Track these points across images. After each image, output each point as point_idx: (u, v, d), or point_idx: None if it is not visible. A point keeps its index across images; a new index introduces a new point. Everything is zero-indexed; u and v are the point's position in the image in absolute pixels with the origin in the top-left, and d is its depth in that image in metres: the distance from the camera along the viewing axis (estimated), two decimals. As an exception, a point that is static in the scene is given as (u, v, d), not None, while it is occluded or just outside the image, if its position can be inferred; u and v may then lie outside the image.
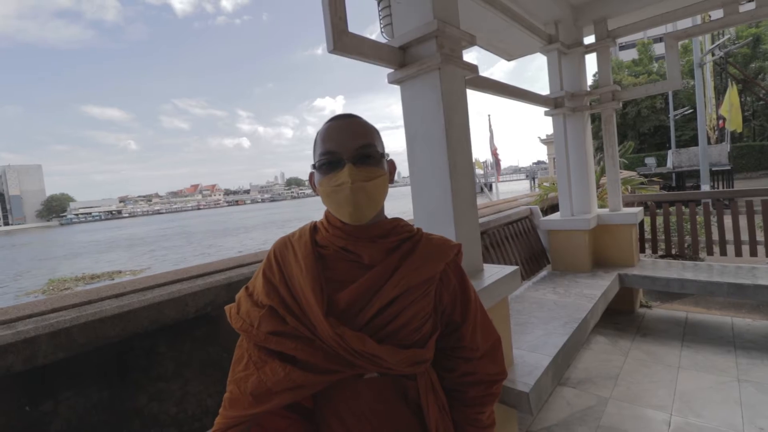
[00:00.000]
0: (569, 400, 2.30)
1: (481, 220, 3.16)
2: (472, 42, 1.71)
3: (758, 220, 3.44)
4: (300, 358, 0.73)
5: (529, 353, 1.94)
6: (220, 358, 1.74)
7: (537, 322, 2.34)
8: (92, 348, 1.42)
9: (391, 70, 1.66)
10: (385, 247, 0.80)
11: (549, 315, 2.44)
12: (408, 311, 0.76)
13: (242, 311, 0.79)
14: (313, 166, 0.80)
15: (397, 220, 0.86)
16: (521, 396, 1.62)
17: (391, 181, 0.84)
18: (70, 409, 1.34)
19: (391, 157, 0.86)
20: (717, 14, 3.02)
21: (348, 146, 0.76)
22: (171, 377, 1.60)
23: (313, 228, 0.86)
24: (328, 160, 0.76)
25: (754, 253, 3.44)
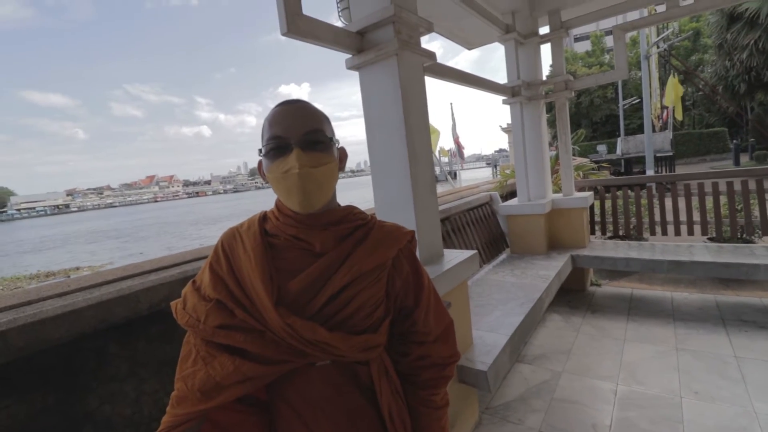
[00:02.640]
0: (526, 376, 2.43)
1: (442, 207, 3.21)
2: (429, 29, 1.71)
3: (695, 201, 3.74)
4: (250, 350, 0.72)
5: (488, 333, 2.02)
6: (178, 356, 1.69)
7: (496, 304, 2.43)
8: (34, 351, 1.33)
9: (349, 56, 1.63)
10: (337, 235, 0.79)
11: (507, 296, 2.54)
12: (359, 297, 0.76)
13: (188, 306, 0.76)
14: (260, 153, 0.78)
15: (350, 208, 0.85)
16: (480, 375, 1.69)
17: (342, 168, 0.83)
18: (10, 417, 1.26)
19: (342, 144, 0.84)
20: (662, 8, 3.20)
21: (295, 131, 0.74)
22: (124, 378, 1.53)
23: (263, 218, 0.84)
24: (275, 145, 0.74)
25: (691, 232, 3.73)
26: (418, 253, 1.68)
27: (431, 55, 1.70)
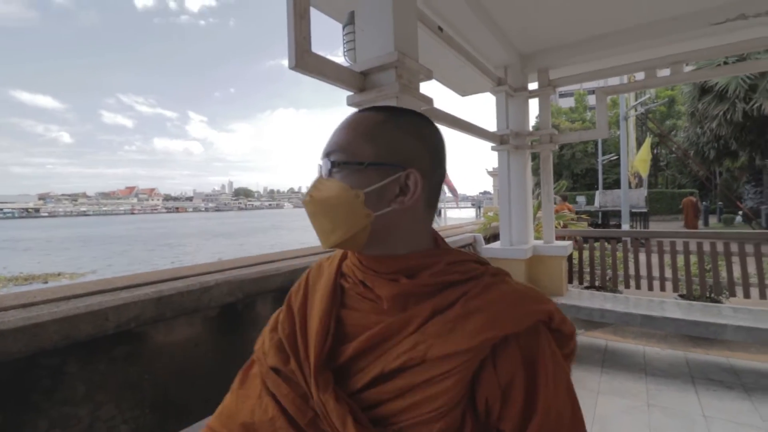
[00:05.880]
0: (500, 425, 2.38)
1: (427, 245, 3.24)
2: (429, 76, 1.80)
3: (668, 259, 3.88)
4: (288, 409, 0.59)
5: (465, 378, 1.99)
6: (141, 380, 1.60)
7: (474, 347, 2.41)
8: (-13, 365, 1.25)
9: (351, 93, 1.69)
10: (413, 291, 0.57)
11: (485, 340, 2.53)
12: (414, 394, 0.52)
13: (265, 330, 0.67)
14: None
15: (446, 255, 0.60)
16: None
17: (402, 203, 0.58)
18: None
19: (410, 170, 0.58)
20: (641, 76, 3.46)
21: (324, 149, 0.61)
22: (80, 400, 1.44)
23: (346, 252, 0.68)
24: (318, 166, 0.62)
25: (663, 288, 3.86)
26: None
27: (429, 101, 1.79)
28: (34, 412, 1.34)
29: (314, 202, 0.58)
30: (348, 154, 0.58)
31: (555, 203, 7.29)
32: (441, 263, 0.59)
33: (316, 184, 0.59)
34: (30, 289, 1.72)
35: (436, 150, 0.62)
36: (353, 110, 1.69)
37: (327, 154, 0.60)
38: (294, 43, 1.28)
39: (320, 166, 0.61)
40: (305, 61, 1.31)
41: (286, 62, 1.29)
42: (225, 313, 1.93)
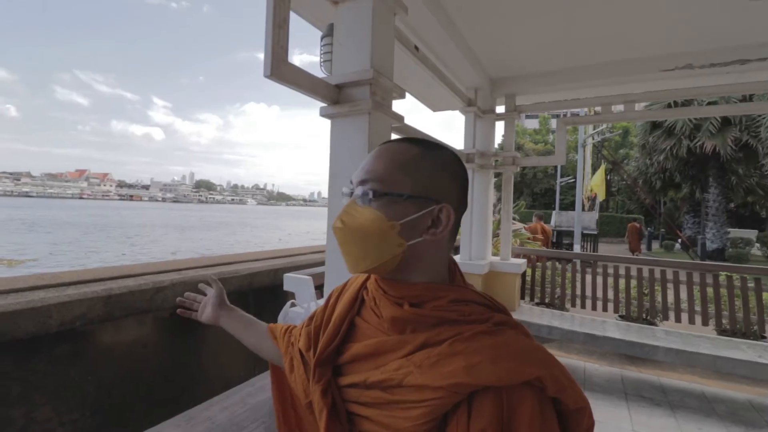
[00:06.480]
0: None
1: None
2: (401, 95, 1.86)
3: (611, 281, 4.16)
4: (297, 389, 0.75)
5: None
6: (83, 381, 1.53)
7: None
8: None
9: (325, 105, 1.72)
10: (412, 319, 0.60)
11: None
12: (388, 408, 0.57)
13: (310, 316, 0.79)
14: None
15: (453, 292, 0.62)
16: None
17: (433, 234, 0.60)
18: None
19: (443, 204, 0.61)
20: (599, 109, 3.72)
21: (356, 177, 0.63)
22: (14, 401, 1.36)
23: None
24: (347, 191, 0.65)
25: (605, 308, 4.12)
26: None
27: (400, 118, 1.85)
28: (-41, 413, 1.25)
29: (347, 230, 0.60)
30: (386, 184, 0.60)
31: (532, 221, 7.69)
32: (445, 299, 0.60)
33: (349, 211, 0.61)
34: (-37, 279, 1.59)
35: (464, 188, 0.67)
36: (327, 118, 1.71)
37: (363, 182, 0.61)
38: (271, 52, 1.30)
39: (349, 191, 0.63)
40: (281, 70, 1.33)
41: (260, 55, 1.31)
42: (179, 314, 1.88)
